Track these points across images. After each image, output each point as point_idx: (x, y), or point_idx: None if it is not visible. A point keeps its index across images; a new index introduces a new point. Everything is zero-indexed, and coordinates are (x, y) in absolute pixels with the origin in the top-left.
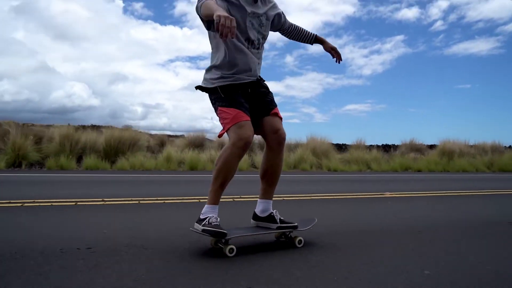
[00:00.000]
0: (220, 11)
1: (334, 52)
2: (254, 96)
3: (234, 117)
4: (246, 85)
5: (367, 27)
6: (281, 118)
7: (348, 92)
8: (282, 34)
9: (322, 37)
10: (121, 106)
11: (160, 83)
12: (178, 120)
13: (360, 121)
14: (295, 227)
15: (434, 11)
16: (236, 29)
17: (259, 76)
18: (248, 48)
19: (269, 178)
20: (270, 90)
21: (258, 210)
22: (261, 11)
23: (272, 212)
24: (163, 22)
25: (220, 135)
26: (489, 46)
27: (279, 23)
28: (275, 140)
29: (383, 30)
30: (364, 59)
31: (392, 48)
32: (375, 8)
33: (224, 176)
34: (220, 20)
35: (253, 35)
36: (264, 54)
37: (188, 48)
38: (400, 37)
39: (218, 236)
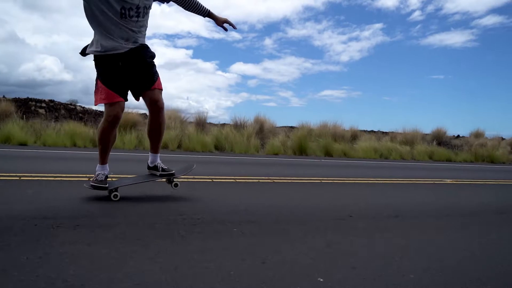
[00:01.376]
0: None
1: (228, 23)
2: (133, 66)
3: (107, 97)
4: (118, 57)
5: (347, 13)
6: (161, 89)
7: (325, 78)
8: (177, 4)
9: (214, 13)
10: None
11: None
12: None
13: (335, 107)
14: (172, 174)
15: (413, 1)
16: (108, 3)
17: (144, 44)
18: (123, 18)
19: (153, 136)
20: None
21: (148, 161)
22: None
23: (158, 163)
24: None
25: (95, 104)
26: (464, 39)
27: None
28: (155, 109)
29: (363, 17)
30: (342, 46)
31: (371, 35)
32: None
33: (103, 143)
34: None
35: (128, 5)
36: (242, 35)
37: (166, 25)
38: (379, 25)
39: (100, 189)
